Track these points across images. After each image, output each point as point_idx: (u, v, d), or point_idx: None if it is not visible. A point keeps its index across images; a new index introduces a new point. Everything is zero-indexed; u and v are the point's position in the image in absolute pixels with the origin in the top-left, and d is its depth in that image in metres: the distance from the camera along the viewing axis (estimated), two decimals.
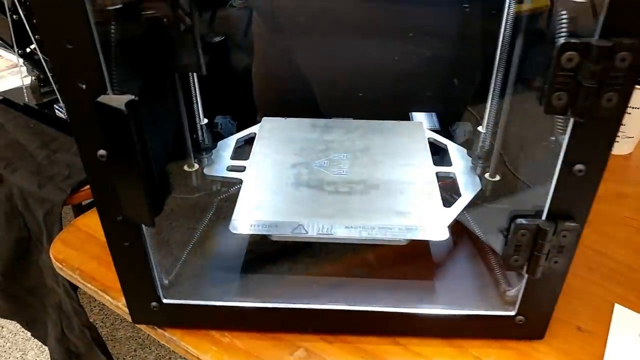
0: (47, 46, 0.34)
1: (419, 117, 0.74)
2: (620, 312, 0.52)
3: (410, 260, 0.56)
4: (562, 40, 0.32)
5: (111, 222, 0.42)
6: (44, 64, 0.76)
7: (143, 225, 0.42)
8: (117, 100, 0.35)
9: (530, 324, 0.47)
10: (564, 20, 0.34)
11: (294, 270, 0.55)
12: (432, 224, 0.50)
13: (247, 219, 0.50)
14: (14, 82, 0.93)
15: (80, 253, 0.59)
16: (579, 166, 0.37)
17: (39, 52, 0.74)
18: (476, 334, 0.49)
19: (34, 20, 0.72)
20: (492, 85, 0.55)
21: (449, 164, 0.61)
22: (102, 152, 0.38)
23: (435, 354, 0.48)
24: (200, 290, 0.51)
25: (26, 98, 0.87)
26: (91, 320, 0.83)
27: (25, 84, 0.87)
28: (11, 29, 0.72)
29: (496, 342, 0.49)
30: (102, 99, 0.35)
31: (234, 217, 0.51)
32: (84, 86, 0.35)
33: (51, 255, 0.59)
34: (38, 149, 0.75)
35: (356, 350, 0.48)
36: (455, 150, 0.64)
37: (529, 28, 0.50)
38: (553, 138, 0.40)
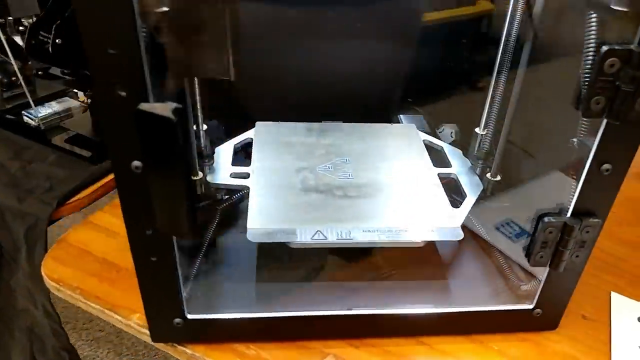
0: (88, 51, 0.31)
1: (404, 119, 0.75)
2: (617, 300, 0.56)
3: (421, 262, 0.57)
4: (605, 48, 0.34)
5: (139, 236, 0.39)
6: (14, 66, 0.70)
7: (174, 239, 0.40)
8: (163, 108, 0.33)
9: (546, 316, 0.50)
10: (594, 27, 0.36)
11: (310, 277, 0.54)
12: (448, 224, 0.51)
13: (263, 227, 0.49)
14: None
15: (75, 270, 0.55)
16: (606, 165, 0.39)
17: (9, 55, 0.68)
18: (496, 329, 0.51)
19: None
20: (492, 86, 0.57)
21: (445, 164, 0.63)
22: (137, 163, 0.36)
23: (460, 350, 0.49)
24: (220, 303, 0.49)
25: None
26: None
27: None
28: None
29: (513, 335, 0.51)
30: (144, 106, 0.33)
31: (249, 225, 0.49)
32: (124, 94, 0.33)
33: (44, 274, 0.54)
34: (10, 160, 0.69)
35: (383, 353, 0.49)
36: (450, 152, 0.65)
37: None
38: (574, 140, 0.42)
